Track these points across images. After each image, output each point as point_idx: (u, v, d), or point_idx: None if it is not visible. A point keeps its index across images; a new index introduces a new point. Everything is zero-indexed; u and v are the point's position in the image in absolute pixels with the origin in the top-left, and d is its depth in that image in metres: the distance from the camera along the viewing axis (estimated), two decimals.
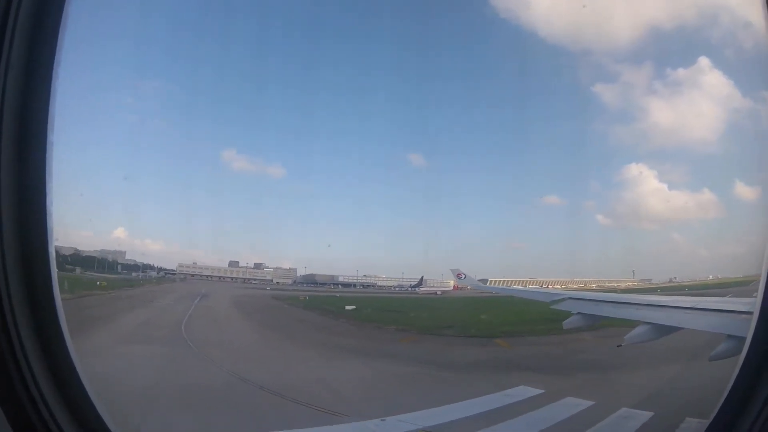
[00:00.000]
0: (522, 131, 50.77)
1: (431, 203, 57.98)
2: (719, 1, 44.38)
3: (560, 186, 54.45)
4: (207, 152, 62.87)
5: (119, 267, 54.64)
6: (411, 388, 13.18)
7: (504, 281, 44.05)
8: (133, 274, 54.58)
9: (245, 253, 60.48)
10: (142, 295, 38.55)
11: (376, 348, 20.54)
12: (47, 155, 2.54)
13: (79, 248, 49.30)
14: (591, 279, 47.50)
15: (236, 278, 58.29)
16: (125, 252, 55.01)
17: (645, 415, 9.18)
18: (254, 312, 33.03)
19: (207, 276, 57.56)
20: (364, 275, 56.09)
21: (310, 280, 57.02)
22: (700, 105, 49.15)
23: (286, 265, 59.10)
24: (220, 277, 58.17)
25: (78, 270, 47.86)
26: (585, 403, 10.37)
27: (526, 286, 41.92)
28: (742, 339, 3.17)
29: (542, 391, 11.63)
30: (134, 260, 56.32)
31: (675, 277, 47.73)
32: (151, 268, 56.78)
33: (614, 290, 41.39)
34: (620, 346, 10.12)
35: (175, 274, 57.12)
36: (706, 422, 3.08)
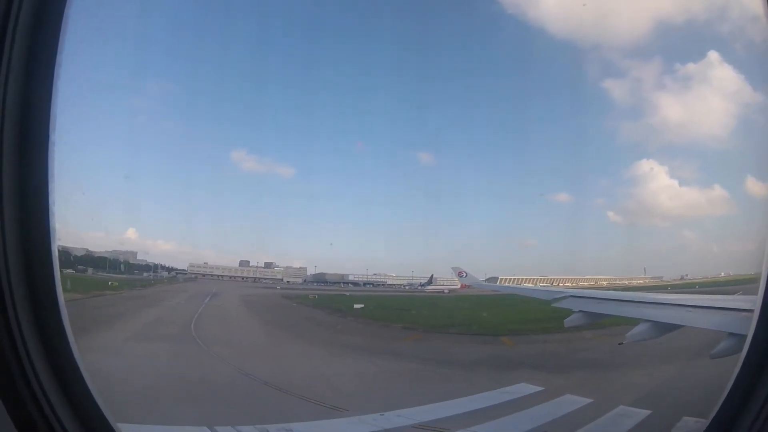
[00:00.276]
0: (531, 129, 50.43)
1: (441, 202, 58.08)
2: None
3: (570, 183, 53.96)
4: (217, 153, 63.58)
5: (131, 267, 55.32)
6: (412, 385, 13.37)
7: (514, 279, 43.98)
8: (145, 274, 55.17)
9: (256, 252, 60.85)
10: (153, 295, 39.19)
11: (381, 346, 20.77)
12: (49, 155, 2.54)
13: (91, 249, 50.19)
14: (602, 277, 47.17)
15: (247, 278, 58.81)
16: (137, 252, 55.67)
17: (642, 414, 9.21)
18: (263, 311, 33.48)
19: (218, 276, 58.15)
20: (375, 274, 56.38)
21: (321, 279, 57.36)
22: (710, 100, 48.30)
23: (297, 265, 59.54)
24: (231, 277, 58.73)
25: (90, 270, 48.71)
26: (583, 401, 10.45)
27: (536, 284, 41.74)
28: (743, 337, 3.20)
29: (542, 388, 11.71)
30: (146, 260, 56.98)
31: (686, 275, 47.22)
32: (163, 268, 57.48)
33: (625, 288, 41.08)
34: (622, 344, 10.20)
35: (186, 274, 57.84)
36: (703, 421, 3.13)
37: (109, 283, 42.39)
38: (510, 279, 43.91)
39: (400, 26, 56.23)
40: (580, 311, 11.60)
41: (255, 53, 55.62)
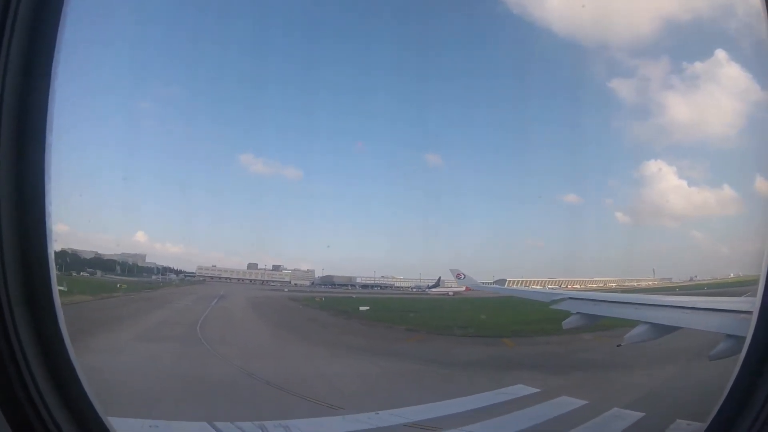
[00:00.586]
0: (537, 129, 50.54)
1: (448, 203, 58.08)
2: None
3: (578, 184, 53.56)
4: (223, 156, 64.42)
5: (140, 270, 55.92)
6: (411, 385, 13.49)
7: (522, 281, 43.88)
8: (153, 277, 55.92)
9: (264, 255, 61.30)
10: (161, 297, 39.63)
11: (384, 347, 20.94)
12: (46, 156, 2.53)
13: (100, 252, 51.00)
14: (611, 278, 46.94)
15: (255, 280, 59.40)
16: (145, 255, 56.53)
17: (635, 416, 9.22)
18: (270, 312, 33.83)
19: (226, 278, 58.78)
20: (382, 276, 56.70)
21: (328, 282, 57.74)
22: (718, 99, 47.98)
23: (304, 267, 60.09)
24: (239, 279, 59.35)
25: (99, 273, 49.47)
26: (578, 403, 10.46)
27: (545, 286, 41.68)
28: (742, 338, 3.19)
29: (538, 389, 11.75)
30: (154, 263, 57.82)
31: (696, 276, 46.82)
32: (171, 270, 58.26)
33: (633, 290, 40.78)
34: (620, 345, 10.26)
35: (194, 276, 58.45)
36: (697, 423, 3.20)
37: (118, 285, 43.04)
38: (518, 281, 43.86)
39: (405, 27, 56.53)
40: (578, 313, 11.70)
41: (257, 55, 56.45)
